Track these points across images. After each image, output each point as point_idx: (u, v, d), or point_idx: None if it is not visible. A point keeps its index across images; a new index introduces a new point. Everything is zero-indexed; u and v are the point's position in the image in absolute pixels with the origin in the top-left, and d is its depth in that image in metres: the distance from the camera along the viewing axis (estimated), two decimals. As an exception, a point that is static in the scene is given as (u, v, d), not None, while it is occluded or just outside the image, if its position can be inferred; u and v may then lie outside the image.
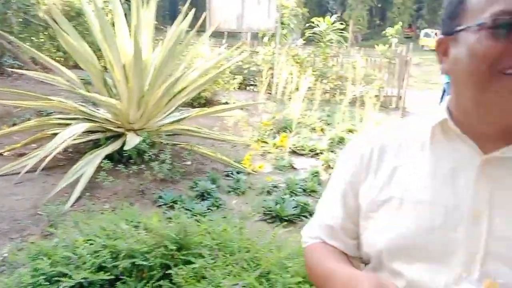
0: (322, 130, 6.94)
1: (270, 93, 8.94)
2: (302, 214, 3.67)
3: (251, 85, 10.11)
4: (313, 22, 12.26)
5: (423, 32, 31.07)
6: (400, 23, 14.37)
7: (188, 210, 3.53)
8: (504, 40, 0.66)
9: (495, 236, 0.71)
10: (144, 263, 2.17)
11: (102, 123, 4.48)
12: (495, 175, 0.74)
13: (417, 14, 37.14)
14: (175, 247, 2.40)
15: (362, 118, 7.37)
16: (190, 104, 6.99)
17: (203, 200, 3.86)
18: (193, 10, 4.84)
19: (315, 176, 4.66)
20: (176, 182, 4.24)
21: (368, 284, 0.67)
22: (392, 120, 8.05)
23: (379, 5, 37.88)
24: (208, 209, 3.65)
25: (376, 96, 8.47)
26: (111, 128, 4.46)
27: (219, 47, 8.06)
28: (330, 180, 0.98)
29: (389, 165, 0.85)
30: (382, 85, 10.02)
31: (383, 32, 14.85)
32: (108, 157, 4.04)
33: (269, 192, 4.17)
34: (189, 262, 2.26)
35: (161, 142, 4.46)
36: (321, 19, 12.22)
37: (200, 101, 7.33)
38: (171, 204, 3.66)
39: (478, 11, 0.70)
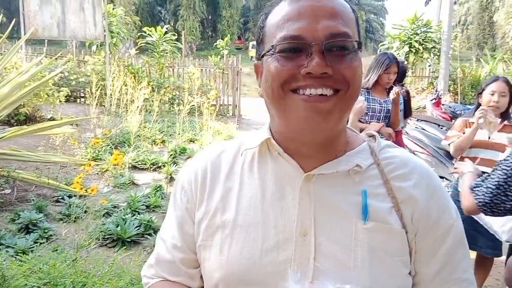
0: (163, 142, 6.81)
1: (104, 106, 8.37)
2: (147, 233, 3.51)
3: (81, 97, 9.31)
4: (145, 32, 11.99)
5: (251, 44, 33.60)
6: (229, 35, 15.21)
7: (10, 247, 3.00)
8: (289, 63, 0.71)
9: (322, 253, 0.73)
10: None
11: None
12: (316, 192, 0.76)
13: (245, 27, 39.98)
14: (-12, 299, 1.99)
15: (202, 127, 7.51)
16: (7, 122, 6.03)
17: (28, 233, 3.35)
18: (0, 14, 4.16)
19: (158, 190, 4.52)
20: (-9, 216, 3.58)
21: None
22: (230, 127, 8.43)
23: (210, 17, 39.46)
24: (36, 242, 3.16)
25: (213, 105, 8.72)
26: None
27: (38, 56, 7.17)
28: (168, 210, 0.92)
29: (221, 187, 0.83)
30: (219, 95, 10.41)
31: (215, 43, 15.50)
32: None
33: (108, 214, 3.86)
34: (8, 314, 1.90)
35: (-33, 171, 3.70)
36: (153, 28, 12.04)
37: (19, 118, 6.38)
38: (-15, 243, 3.05)
39: (271, 36, 0.75)
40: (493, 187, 1.67)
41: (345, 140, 0.82)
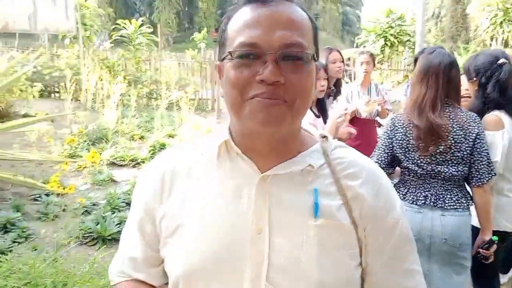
0: (141, 137, 6.74)
1: (79, 101, 8.21)
2: (127, 230, 3.49)
3: (56, 92, 9.10)
4: (119, 24, 11.76)
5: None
6: (206, 28, 15.08)
7: (-13, 248, 2.94)
8: (247, 70, 0.74)
9: (276, 250, 0.77)
10: None
11: None
12: (272, 192, 0.80)
13: (221, 19, 39.70)
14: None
15: (181, 122, 7.46)
16: (-23, 119, 5.85)
17: (6, 233, 3.29)
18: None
19: (138, 187, 4.49)
20: (-35, 217, 3.49)
21: None
22: (209, 121, 8.39)
23: (186, 9, 38.97)
24: (14, 242, 3.12)
25: (192, 99, 8.67)
26: None
27: (10, 50, 6.97)
28: (130, 210, 0.95)
29: (180, 189, 0.85)
30: (197, 89, 10.33)
31: (192, 36, 15.34)
32: None
33: (87, 212, 3.82)
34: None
35: None
36: (127, 21, 11.82)
37: (-9, 115, 6.20)
38: (-40, 245, 2.98)
39: (231, 41, 0.77)
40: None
41: (300, 141, 0.86)
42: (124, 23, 11.66)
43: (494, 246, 2.03)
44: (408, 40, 13.50)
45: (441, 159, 1.97)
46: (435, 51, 2.08)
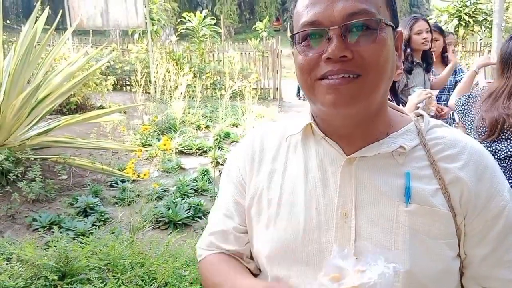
0: (207, 127, 6.90)
1: (149, 93, 8.58)
2: (196, 216, 3.59)
3: (127, 85, 9.58)
4: (184, 18, 12.08)
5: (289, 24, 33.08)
6: (267, 17, 15.02)
7: (70, 230, 3.18)
8: (312, 51, 0.72)
9: (362, 235, 0.74)
10: (21, 301, 1.88)
11: None
12: (358, 175, 0.77)
13: (282, 8, 39.39)
14: (56, 277, 2.12)
15: (244, 111, 7.52)
16: (60, 111, 6.33)
17: (86, 216, 3.52)
18: (48, 6, 4.32)
19: (205, 174, 4.60)
20: (51, 200, 3.79)
21: None
22: (271, 110, 8.39)
23: (247, 0, 39.20)
24: (93, 225, 3.33)
25: (254, 89, 8.72)
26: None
27: (85, 46, 7.42)
28: (219, 188, 0.96)
29: (267, 168, 0.85)
30: (259, 78, 10.37)
31: (254, 26, 15.37)
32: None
33: (159, 198, 3.98)
34: (76, 292, 2.02)
35: (28, 158, 3.92)
36: (192, 14, 12.10)
37: (71, 107, 6.68)
38: (48, 226, 3.24)
39: (296, 24, 0.75)
40: None
41: (387, 121, 0.80)
42: (189, 16, 11.96)
43: None
44: (485, 19, 12.45)
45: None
46: None
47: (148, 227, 3.21)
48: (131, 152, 4.88)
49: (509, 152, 1.80)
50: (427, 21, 3.13)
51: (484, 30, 12.83)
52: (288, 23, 0.81)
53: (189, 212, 3.58)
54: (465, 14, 12.48)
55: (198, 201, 3.76)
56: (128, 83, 9.46)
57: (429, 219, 0.73)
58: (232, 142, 6.16)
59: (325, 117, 0.79)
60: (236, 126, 7.20)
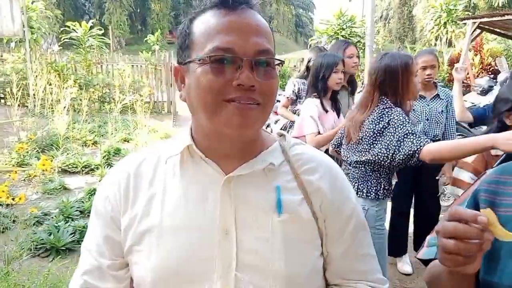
0: (95, 143, 6.53)
1: (27, 107, 7.83)
2: (82, 239, 3.37)
3: (0, 98, 8.62)
4: (68, 27, 11.31)
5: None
6: (159, 30, 14.82)
7: None
8: (222, 74, 0.76)
9: (244, 248, 0.80)
10: None
11: None
12: (236, 192, 0.83)
13: (176, 21, 39.14)
14: None
15: (136, 126, 7.30)
16: None
17: (-50, 248, 3.08)
18: None
19: (92, 194, 4.35)
20: None
21: None
22: (166, 124, 8.26)
23: (138, 11, 38.09)
24: (-42, 259, 2.93)
25: (147, 102, 8.50)
26: None
27: None
28: (90, 220, 0.92)
29: (145, 194, 0.86)
30: (152, 91, 10.13)
31: (146, 38, 15.04)
32: None
33: (39, 223, 3.66)
34: None
35: None
36: (77, 23, 11.39)
37: None
38: None
39: (201, 45, 0.79)
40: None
41: (261, 140, 0.90)
42: (74, 25, 11.23)
43: None
44: (359, 41, 13.97)
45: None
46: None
47: (26, 255, 2.94)
48: (5, 174, 4.41)
49: (354, 159, 2.13)
50: (356, 47, 3.34)
51: (358, 51, 14.35)
52: (182, 38, 0.84)
53: (74, 236, 3.36)
54: (342, 36, 13.84)
55: (84, 223, 3.54)
56: (2, 95, 8.52)
57: (298, 226, 0.84)
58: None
59: (218, 137, 0.82)
60: (128, 141, 6.94)
